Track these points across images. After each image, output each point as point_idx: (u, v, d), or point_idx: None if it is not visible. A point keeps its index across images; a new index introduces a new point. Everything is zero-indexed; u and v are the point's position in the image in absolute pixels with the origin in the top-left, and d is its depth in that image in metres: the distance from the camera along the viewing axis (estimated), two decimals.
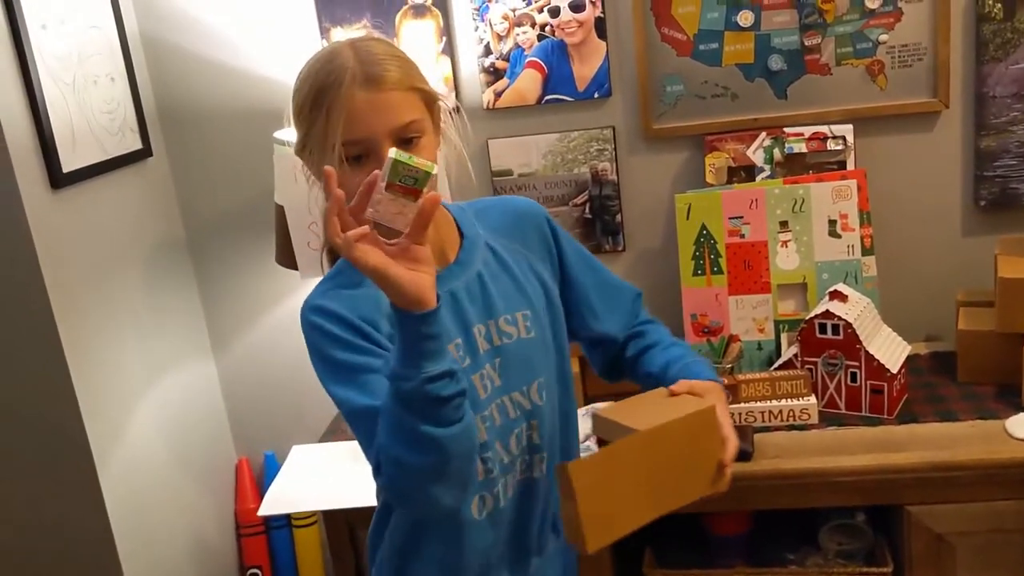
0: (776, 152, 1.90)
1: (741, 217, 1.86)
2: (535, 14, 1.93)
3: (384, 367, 1.00)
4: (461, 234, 1.20)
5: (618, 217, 2.02)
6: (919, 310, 1.97)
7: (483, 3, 1.94)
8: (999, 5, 1.77)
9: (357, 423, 1.06)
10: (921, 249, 1.97)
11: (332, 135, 1.04)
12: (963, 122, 1.88)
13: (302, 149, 1.12)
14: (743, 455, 1.54)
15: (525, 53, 1.96)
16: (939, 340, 1.97)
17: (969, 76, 1.84)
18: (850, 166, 1.87)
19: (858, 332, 1.65)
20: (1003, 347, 1.70)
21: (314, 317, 1.08)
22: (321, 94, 1.05)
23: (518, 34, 1.95)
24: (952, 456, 1.53)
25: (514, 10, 1.93)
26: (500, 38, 1.96)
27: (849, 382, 1.68)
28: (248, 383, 2.24)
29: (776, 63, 1.89)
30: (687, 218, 1.87)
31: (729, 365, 1.71)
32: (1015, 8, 1.77)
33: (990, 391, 1.72)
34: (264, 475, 2.27)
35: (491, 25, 1.95)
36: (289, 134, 1.59)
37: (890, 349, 1.69)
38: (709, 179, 1.94)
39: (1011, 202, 1.88)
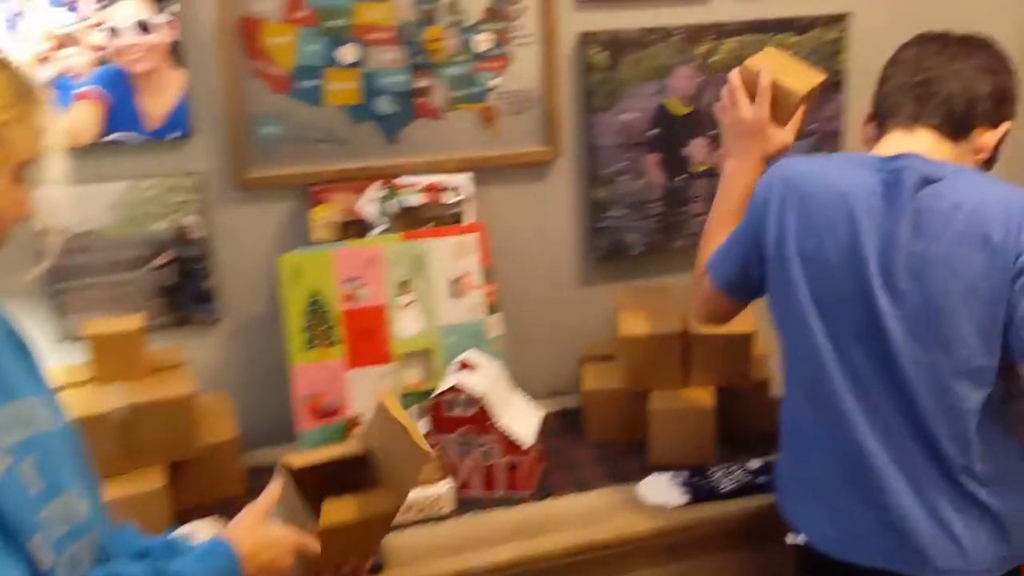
0: (392, 204, 1.72)
1: (357, 279, 1.65)
2: (90, 34, 1.56)
3: None
4: None
5: (209, 282, 1.70)
6: (545, 366, 1.92)
7: (13, 16, 1.52)
8: (604, 54, 1.76)
9: None
10: (543, 303, 1.91)
11: None
12: (576, 172, 1.85)
13: None
14: (374, 568, 1.33)
15: (74, 82, 1.57)
16: (566, 395, 1.93)
17: (579, 125, 1.82)
18: (469, 219, 1.75)
19: (490, 406, 1.51)
20: (628, 404, 1.69)
21: None
22: None
23: (65, 57, 1.56)
24: (592, 536, 1.46)
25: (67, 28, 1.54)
26: (44, 61, 1.55)
27: (483, 460, 1.54)
28: None
29: (385, 105, 1.71)
30: (294, 282, 1.62)
31: None
32: (619, 59, 1.77)
33: (621, 450, 1.69)
34: None
35: (28, 45, 1.53)
36: None
37: (523, 419, 1.59)
38: (317, 236, 1.70)
39: (623, 252, 1.89)
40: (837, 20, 1.86)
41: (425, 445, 1.10)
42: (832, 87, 1.89)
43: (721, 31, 1.81)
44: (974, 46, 1.30)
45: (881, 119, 1.33)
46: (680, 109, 1.84)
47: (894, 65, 1.35)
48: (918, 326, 1.19)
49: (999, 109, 1.27)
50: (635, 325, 1.67)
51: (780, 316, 1.33)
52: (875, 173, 1.24)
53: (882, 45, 1.89)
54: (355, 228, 1.71)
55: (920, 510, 1.22)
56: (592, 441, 1.72)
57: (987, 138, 1.27)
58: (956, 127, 1.26)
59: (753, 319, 1.66)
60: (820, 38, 1.86)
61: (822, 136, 1.92)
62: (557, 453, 1.69)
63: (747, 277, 1.36)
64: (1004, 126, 1.28)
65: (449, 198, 1.73)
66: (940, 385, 1.19)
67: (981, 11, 1.96)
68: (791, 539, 1.37)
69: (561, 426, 1.79)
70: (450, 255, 1.69)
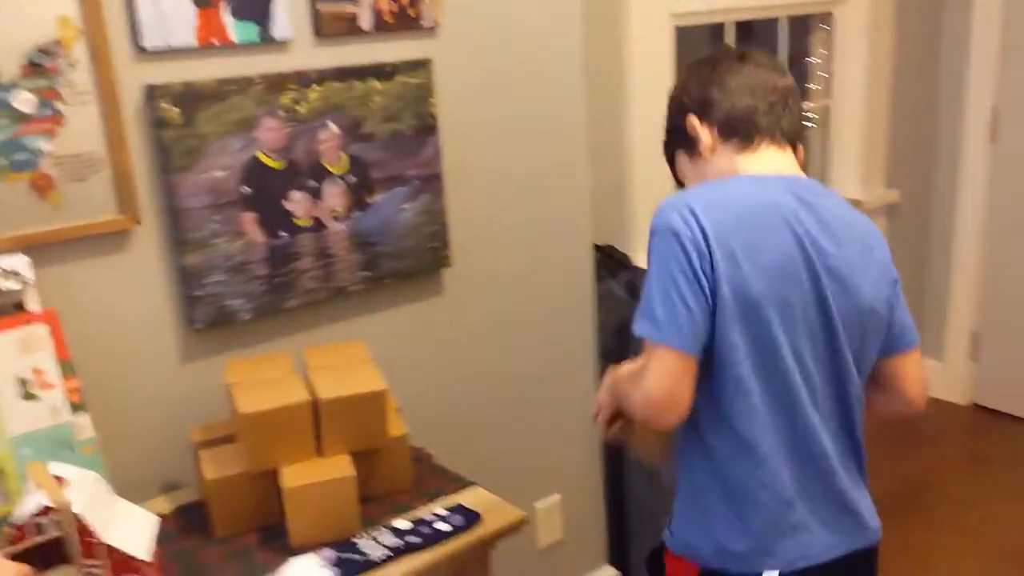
0: None
1: None
2: None
3: None
4: None
5: None
6: (153, 460, 1.70)
7: None
8: (176, 109, 1.60)
9: None
10: (141, 389, 1.69)
11: None
12: (160, 239, 1.66)
13: None
14: None
15: None
16: (183, 489, 1.71)
17: (158, 188, 1.63)
18: (34, 307, 1.49)
19: (90, 523, 1.27)
20: (257, 487, 1.53)
21: None
22: None
23: None
24: None
25: None
26: None
27: None
28: None
29: None
30: None
31: None
32: (195, 112, 1.62)
33: (255, 539, 1.53)
34: None
35: None
36: None
37: (134, 528, 1.36)
38: None
39: (229, 320, 1.73)
40: (420, 66, 1.87)
41: None
42: (427, 130, 1.90)
43: (304, 79, 1.74)
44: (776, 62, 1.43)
45: (740, 134, 1.36)
46: (273, 163, 1.73)
47: (735, 76, 1.37)
48: (850, 324, 1.31)
49: None
50: (254, 399, 1.52)
51: (738, 337, 1.26)
52: (782, 190, 1.30)
53: (463, 88, 1.98)
54: None
55: (858, 489, 1.39)
56: (221, 536, 1.54)
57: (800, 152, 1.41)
58: (796, 143, 1.40)
59: (379, 373, 1.60)
60: (407, 83, 1.86)
61: (423, 180, 1.92)
62: (182, 558, 1.48)
63: (704, 324, 1.24)
64: None
65: (6, 284, 1.46)
66: (857, 375, 1.35)
67: (545, 48, 2.11)
68: None
69: (182, 525, 1.58)
70: (15, 352, 1.42)
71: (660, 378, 1.23)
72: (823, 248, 1.29)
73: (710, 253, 1.22)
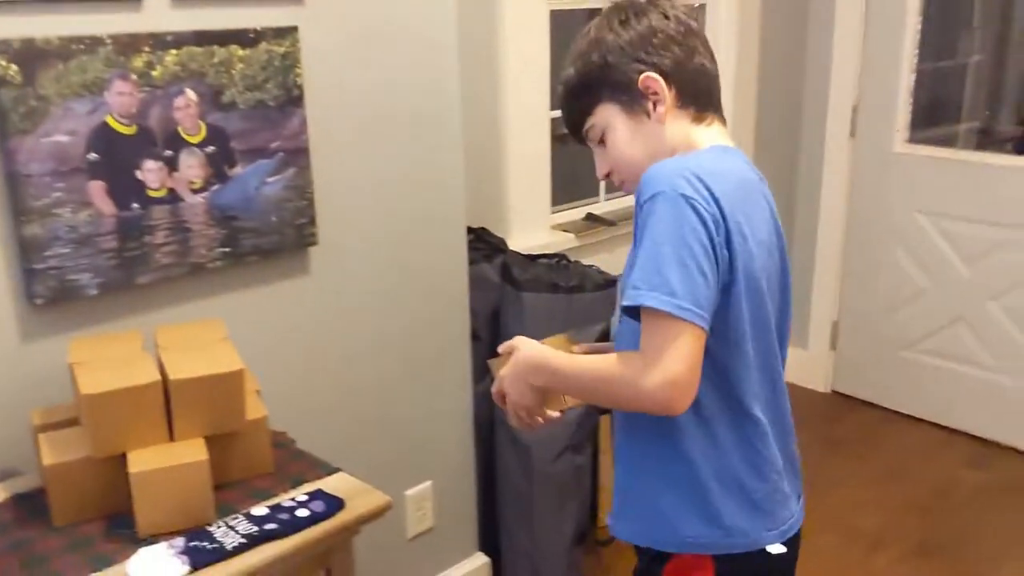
0: None
1: None
2: None
3: None
4: None
5: None
6: None
7: None
8: (15, 67, 1.49)
9: None
10: None
11: None
12: None
13: None
14: None
15: None
16: (21, 476, 1.60)
17: None
18: None
19: None
20: (102, 473, 1.44)
21: None
22: None
23: None
24: None
25: None
26: None
27: None
28: None
29: None
30: None
31: None
32: (36, 72, 1.51)
33: (100, 528, 1.44)
34: None
35: None
36: None
37: None
38: None
39: (73, 295, 1.62)
40: (286, 33, 1.81)
41: None
42: (293, 101, 1.84)
43: (160, 41, 1.64)
44: None
45: (696, 103, 1.26)
46: (124, 128, 1.63)
47: (692, 37, 1.26)
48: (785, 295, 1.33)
49: None
50: (99, 380, 1.42)
51: (747, 313, 1.20)
52: (744, 164, 1.27)
53: (332, 59, 1.92)
54: None
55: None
56: (61, 525, 1.44)
57: None
58: None
59: (236, 353, 1.53)
60: (272, 51, 1.79)
61: (288, 154, 1.85)
62: (20, 548, 1.38)
63: (715, 300, 1.14)
64: None
65: None
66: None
67: (419, 21, 2.07)
68: (775, 549, 1.28)
69: (20, 515, 1.48)
70: None
71: (686, 358, 1.08)
72: (779, 224, 1.30)
73: (725, 225, 1.13)
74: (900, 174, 3.53)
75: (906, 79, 3.47)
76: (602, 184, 3.15)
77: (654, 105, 1.25)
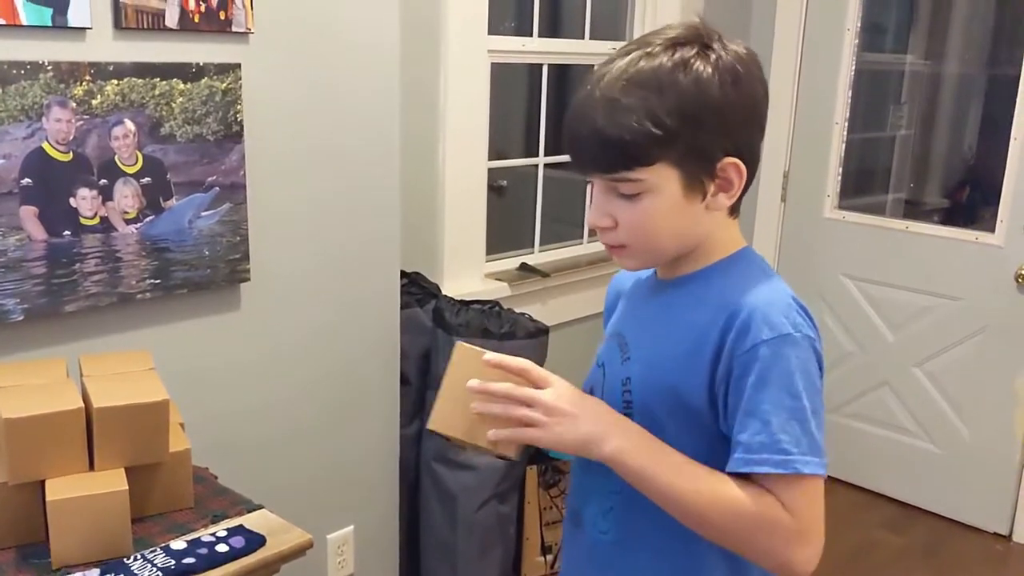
0: None
1: None
2: None
3: None
4: None
5: None
6: None
7: None
8: None
9: None
10: None
11: None
12: None
13: None
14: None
15: None
16: None
17: None
18: None
19: None
20: (18, 500, 1.45)
21: None
22: None
23: None
24: None
25: None
26: None
27: None
28: None
29: None
30: None
31: None
32: None
33: (12, 557, 1.45)
34: None
35: None
36: None
37: None
38: None
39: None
40: (228, 69, 1.87)
41: None
42: (233, 137, 1.89)
43: (100, 71, 1.70)
44: None
45: (743, 194, 1.13)
46: (60, 155, 1.67)
47: (764, 103, 1.12)
48: None
49: None
50: (17, 404, 1.44)
51: None
52: None
53: (273, 96, 1.98)
54: None
55: None
56: None
57: None
58: None
59: (161, 384, 1.56)
60: (213, 86, 1.85)
61: (225, 189, 1.90)
62: None
63: None
64: None
65: None
66: None
67: (362, 67, 2.15)
68: None
69: None
70: None
71: (815, 520, 1.05)
72: None
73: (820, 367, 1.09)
74: (829, 239, 3.70)
75: (836, 148, 3.66)
76: (536, 234, 3.25)
77: (716, 191, 1.10)
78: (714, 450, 1.09)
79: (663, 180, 1.08)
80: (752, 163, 1.11)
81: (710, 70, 1.05)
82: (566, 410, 1.09)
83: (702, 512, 1.06)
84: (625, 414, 1.15)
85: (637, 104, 1.05)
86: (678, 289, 1.18)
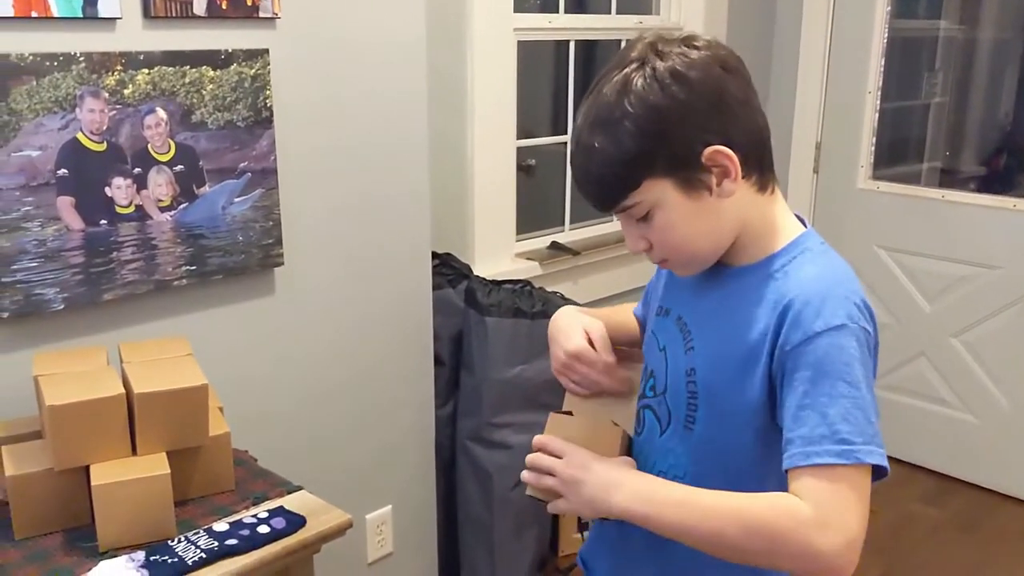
0: None
1: None
2: None
3: None
4: None
5: None
6: None
7: None
8: None
9: None
10: None
11: None
12: None
13: None
14: None
15: None
16: None
17: None
18: None
19: None
20: (64, 485, 1.49)
21: None
22: None
23: None
24: None
25: None
26: None
27: None
28: None
29: None
30: None
31: None
32: (8, 87, 1.57)
33: (60, 541, 1.48)
34: None
35: None
36: None
37: None
38: None
39: (38, 310, 1.67)
40: (257, 55, 1.88)
41: None
42: (263, 122, 1.91)
43: (131, 60, 1.72)
44: None
45: (759, 168, 1.14)
46: (94, 145, 1.70)
47: (750, 90, 1.13)
48: None
49: None
50: (64, 392, 1.47)
51: None
52: None
53: (301, 81, 2.00)
54: None
55: None
56: (23, 538, 1.48)
57: None
58: None
59: (200, 369, 1.59)
60: (242, 73, 1.86)
61: (256, 174, 1.92)
62: None
63: None
64: None
65: None
66: None
67: (389, 46, 2.16)
68: None
69: None
70: None
71: (860, 516, 1.04)
72: None
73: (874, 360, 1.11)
74: (862, 210, 3.67)
75: (869, 117, 3.62)
76: (567, 213, 3.25)
77: (718, 180, 1.11)
78: (773, 445, 1.11)
79: (660, 193, 1.11)
80: (741, 142, 1.10)
81: (647, 81, 1.08)
82: (577, 477, 1.19)
83: (718, 532, 1.06)
84: (689, 404, 1.20)
85: (605, 142, 1.10)
86: (738, 282, 1.19)
